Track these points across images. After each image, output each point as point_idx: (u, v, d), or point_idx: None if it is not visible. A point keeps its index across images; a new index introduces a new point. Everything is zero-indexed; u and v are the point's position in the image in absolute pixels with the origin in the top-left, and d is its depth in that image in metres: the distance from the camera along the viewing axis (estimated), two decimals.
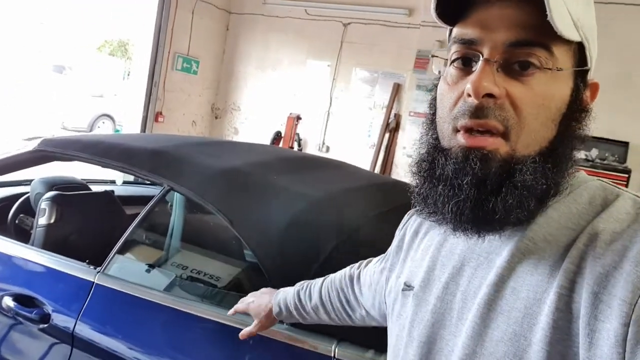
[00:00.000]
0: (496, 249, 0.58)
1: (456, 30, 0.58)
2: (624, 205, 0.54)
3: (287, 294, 1.08)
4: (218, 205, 1.55)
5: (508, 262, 0.55)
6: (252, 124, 6.34)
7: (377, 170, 5.58)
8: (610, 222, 0.52)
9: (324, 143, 6.05)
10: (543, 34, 0.52)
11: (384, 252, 0.94)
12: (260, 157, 2.01)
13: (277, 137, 5.43)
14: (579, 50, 0.57)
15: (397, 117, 5.59)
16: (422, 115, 5.30)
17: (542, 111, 0.54)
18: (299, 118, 5.52)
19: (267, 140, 5.70)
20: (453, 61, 0.58)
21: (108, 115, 10.46)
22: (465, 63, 0.57)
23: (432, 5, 0.57)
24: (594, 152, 4.52)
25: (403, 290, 0.70)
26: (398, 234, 0.81)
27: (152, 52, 5.59)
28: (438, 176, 0.58)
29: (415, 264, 0.70)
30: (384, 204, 1.71)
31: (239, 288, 1.62)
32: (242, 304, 1.16)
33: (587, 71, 0.58)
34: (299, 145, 5.49)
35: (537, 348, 0.50)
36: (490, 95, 0.53)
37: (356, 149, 5.82)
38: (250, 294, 1.18)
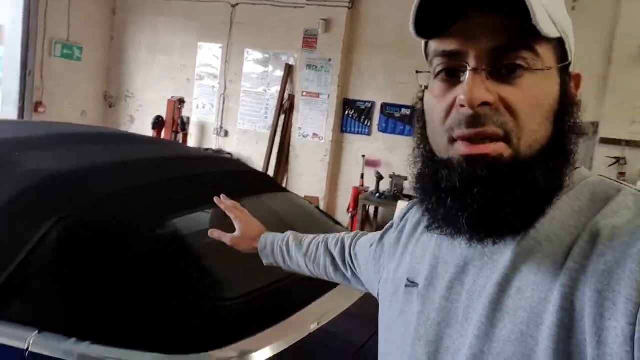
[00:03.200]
0: (500, 249, 0.57)
1: (436, 44, 0.58)
2: (624, 200, 0.53)
3: (276, 235, 1.14)
4: None
5: (512, 262, 0.55)
6: (147, 111, 6.04)
7: (275, 153, 5.44)
8: (611, 218, 0.52)
9: (221, 128, 5.85)
10: (525, 35, 0.53)
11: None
12: (18, 133, 1.82)
13: (158, 121, 5.18)
14: (559, 45, 0.57)
15: (291, 97, 5.46)
16: (314, 95, 5.21)
17: (537, 111, 0.55)
18: (182, 101, 5.28)
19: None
20: (438, 74, 0.59)
21: None
22: (450, 74, 0.57)
23: (411, 24, 0.57)
24: None
25: (407, 286, 0.69)
26: (398, 223, 0.81)
27: (23, 38, 5.18)
28: (445, 188, 0.57)
29: (416, 260, 0.70)
30: (138, 181, 1.56)
31: None
32: (236, 210, 1.17)
33: (569, 64, 0.59)
34: (184, 129, 5.25)
35: (544, 347, 0.50)
36: (485, 103, 0.53)
37: (254, 133, 5.67)
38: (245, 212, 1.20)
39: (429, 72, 0.62)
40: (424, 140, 0.63)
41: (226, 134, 5.86)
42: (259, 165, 5.53)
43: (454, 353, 0.59)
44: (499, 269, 0.56)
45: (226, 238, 1.14)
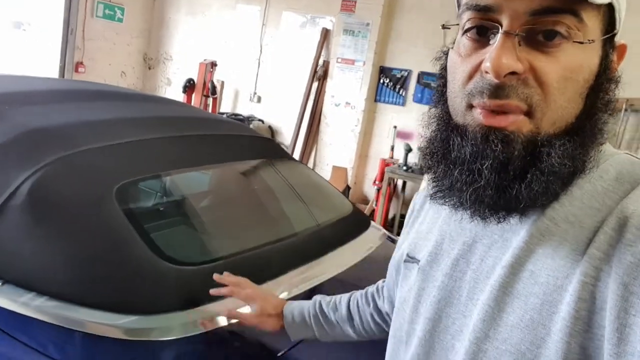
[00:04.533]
0: (512, 228, 0.54)
1: None
2: None
3: (301, 305, 1.01)
4: None
5: (526, 243, 0.52)
6: (184, 74, 6.05)
7: (305, 121, 5.35)
8: None
9: (255, 93, 5.79)
10: None
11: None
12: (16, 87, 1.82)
13: (189, 85, 5.16)
14: (608, 11, 0.51)
15: (326, 64, 5.31)
16: (350, 62, 5.06)
17: (570, 85, 0.49)
18: (213, 65, 5.23)
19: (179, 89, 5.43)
20: (466, 30, 0.53)
21: None
22: (481, 33, 0.52)
23: None
24: None
25: (405, 261, 0.68)
26: (409, 210, 0.79)
27: None
28: (454, 159, 0.53)
29: (420, 236, 0.67)
30: (122, 138, 1.52)
31: None
32: (242, 290, 1.05)
33: (614, 35, 0.53)
34: (214, 93, 5.22)
35: (556, 338, 0.47)
36: (513, 73, 0.48)
37: (287, 99, 5.58)
38: (252, 287, 1.07)
39: (457, 24, 0.56)
40: (442, 99, 0.58)
41: (259, 99, 5.81)
42: (289, 133, 5.47)
43: (454, 333, 0.56)
44: (510, 249, 0.53)
45: (247, 321, 1.03)
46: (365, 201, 5.24)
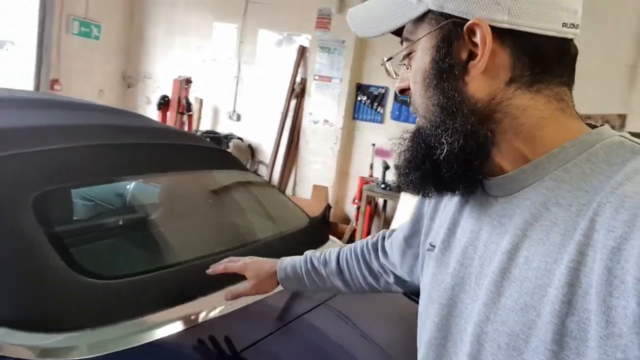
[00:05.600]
0: (508, 212, 0.58)
1: None
2: (639, 165, 0.49)
3: (293, 260, 1.09)
4: None
5: (521, 229, 0.55)
6: (164, 93, 5.98)
7: (285, 139, 5.28)
8: (625, 185, 0.48)
9: (234, 111, 5.73)
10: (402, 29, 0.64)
11: None
12: None
13: (164, 102, 5.09)
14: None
15: (303, 81, 5.27)
16: (327, 79, 5.01)
17: (416, 87, 0.62)
18: (188, 81, 5.16)
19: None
20: None
21: None
22: None
23: None
24: None
25: (428, 250, 0.72)
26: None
27: (40, 14, 5.21)
28: None
29: (440, 224, 0.71)
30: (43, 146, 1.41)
31: None
32: (235, 263, 1.11)
33: (454, 21, 0.56)
34: (189, 110, 5.14)
35: (545, 320, 0.49)
36: (403, 90, 0.66)
37: (267, 117, 5.51)
38: (242, 259, 1.13)
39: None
40: None
41: (239, 117, 5.74)
42: (269, 151, 5.39)
43: (466, 317, 0.59)
44: (508, 235, 0.56)
45: (245, 291, 1.10)
46: (347, 221, 5.14)
